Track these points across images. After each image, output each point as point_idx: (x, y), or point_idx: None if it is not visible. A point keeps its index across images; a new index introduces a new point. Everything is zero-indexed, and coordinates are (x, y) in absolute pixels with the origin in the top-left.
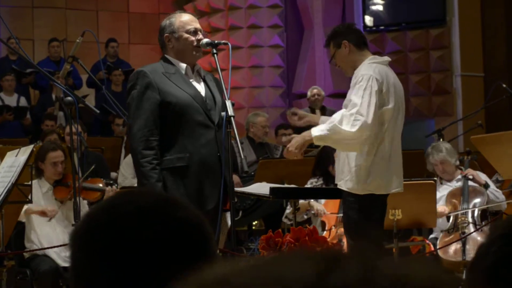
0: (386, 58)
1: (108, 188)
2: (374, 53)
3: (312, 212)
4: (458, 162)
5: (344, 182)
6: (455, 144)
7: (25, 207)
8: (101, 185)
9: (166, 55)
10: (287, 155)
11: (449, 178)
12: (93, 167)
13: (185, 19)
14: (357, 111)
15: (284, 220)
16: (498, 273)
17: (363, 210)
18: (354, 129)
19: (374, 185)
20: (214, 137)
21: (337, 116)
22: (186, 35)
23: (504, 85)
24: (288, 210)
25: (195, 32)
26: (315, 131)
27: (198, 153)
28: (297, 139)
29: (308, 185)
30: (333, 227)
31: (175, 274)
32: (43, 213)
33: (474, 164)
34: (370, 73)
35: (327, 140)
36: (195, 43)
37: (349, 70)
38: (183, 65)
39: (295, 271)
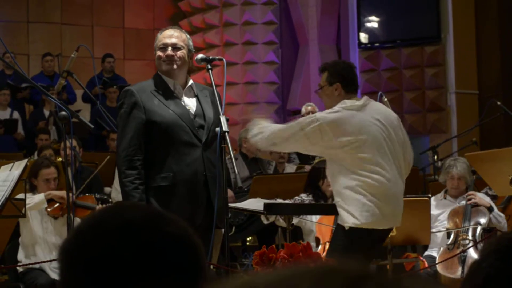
0: (359, 103)
1: (99, 206)
2: (368, 71)
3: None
4: (470, 183)
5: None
6: None
7: (43, 193)
8: (93, 201)
9: (158, 72)
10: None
11: (456, 195)
12: (86, 182)
13: (160, 36)
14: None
15: (263, 218)
16: None
17: (344, 244)
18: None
19: (352, 220)
20: (200, 156)
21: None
22: (157, 51)
23: (498, 103)
24: None
25: (163, 48)
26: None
27: (182, 173)
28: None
29: (296, 199)
30: (327, 242)
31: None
32: (62, 198)
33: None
34: (319, 116)
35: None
36: (162, 58)
37: (328, 106)
38: (171, 81)
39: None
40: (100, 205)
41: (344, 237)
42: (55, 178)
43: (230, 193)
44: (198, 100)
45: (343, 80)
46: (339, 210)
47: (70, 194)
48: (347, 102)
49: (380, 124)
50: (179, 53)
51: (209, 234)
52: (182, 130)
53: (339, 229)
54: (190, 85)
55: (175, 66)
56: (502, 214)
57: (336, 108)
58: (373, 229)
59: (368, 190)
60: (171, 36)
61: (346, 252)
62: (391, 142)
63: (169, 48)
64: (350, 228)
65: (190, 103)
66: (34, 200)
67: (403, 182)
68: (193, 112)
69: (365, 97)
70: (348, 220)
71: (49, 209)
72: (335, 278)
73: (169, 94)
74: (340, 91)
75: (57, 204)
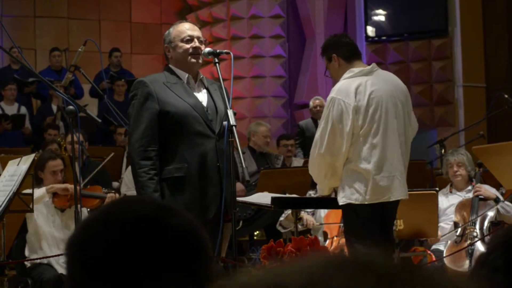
0: (367, 68)
1: (109, 195)
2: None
3: (303, 223)
4: (472, 174)
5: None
6: None
7: (45, 187)
8: (100, 192)
9: (169, 65)
10: None
11: (461, 186)
12: (93, 173)
13: (181, 28)
14: (314, 145)
15: (278, 227)
16: (496, 280)
17: (348, 219)
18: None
19: (355, 195)
20: (214, 147)
21: None
22: (181, 44)
23: (506, 96)
24: (283, 217)
25: (190, 39)
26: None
27: (197, 163)
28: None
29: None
30: (335, 237)
31: (170, 281)
32: (65, 190)
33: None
34: (331, 96)
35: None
36: (190, 51)
37: (336, 81)
38: (185, 75)
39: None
40: (110, 194)
41: (354, 215)
42: (61, 170)
43: (240, 186)
44: (209, 93)
45: (335, 49)
46: (344, 187)
47: (77, 188)
48: (354, 70)
49: (384, 91)
50: (203, 47)
51: (221, 225)
52: (196, 120)
53: (347, 209)
54: (201, 79)
55: (200, 60)
56: (510, 204)
57: (341, 82)
58: (379, 202)
59: (367, 163)
60: (194, 29)
61: (361, 229)
62: (393, 109)
63: (196, 40)
64: (356, 205)
65: (202, 96)
66: (36, 194)
67: (405, 153)
68: (205, 105)
69: (373, 64)
70: (352, 196)
71: (56, 200)
72: (367, 276)
73: (181, 86)
74: (339, 61)
75: (64, 196)
